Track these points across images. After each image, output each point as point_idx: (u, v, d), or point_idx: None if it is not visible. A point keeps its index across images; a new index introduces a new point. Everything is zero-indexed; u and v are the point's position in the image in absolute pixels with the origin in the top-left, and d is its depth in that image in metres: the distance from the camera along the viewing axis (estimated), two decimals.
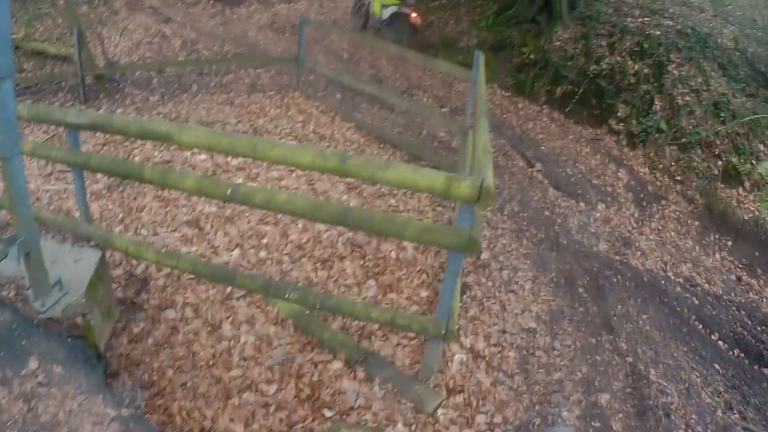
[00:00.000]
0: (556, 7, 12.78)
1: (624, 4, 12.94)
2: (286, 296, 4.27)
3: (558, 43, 12.39)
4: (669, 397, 5.15)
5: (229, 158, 7.78)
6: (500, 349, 5.13)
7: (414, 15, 13.33)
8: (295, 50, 11.70)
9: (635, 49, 11.65)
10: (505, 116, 11.64)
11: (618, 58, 11.63)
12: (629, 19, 12.38)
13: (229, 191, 4.16)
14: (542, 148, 10.57)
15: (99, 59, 11.77)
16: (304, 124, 9.84)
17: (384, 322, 4.27)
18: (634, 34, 11.90)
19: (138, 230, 6.03)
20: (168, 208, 6.47)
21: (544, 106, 12.06)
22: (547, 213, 8.53)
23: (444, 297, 4.02)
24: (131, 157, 7.79)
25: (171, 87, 11.45)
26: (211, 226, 6.19)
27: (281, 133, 9.31)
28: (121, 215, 6.29)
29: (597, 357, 5.51)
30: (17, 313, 3.65)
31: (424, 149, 9.30)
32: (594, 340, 5.77)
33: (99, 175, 6.81)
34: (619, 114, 11.17)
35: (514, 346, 5.25)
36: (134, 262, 5.38)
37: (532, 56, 12.53)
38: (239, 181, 7.19)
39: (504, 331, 5.40)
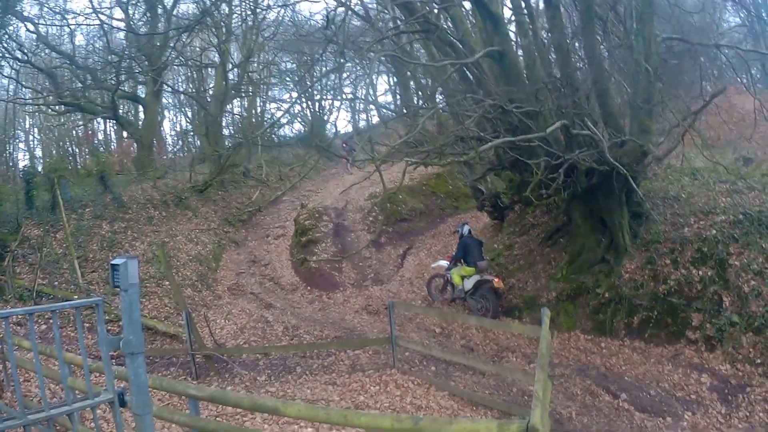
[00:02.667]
0: (620, 242, 13.62)
1: (678, 216, 13.55)
2: None
3: (627, 275, 13.09)
4: None
5: (333, 431, 8.35)
6: None
7: (497, 280, 14.80)
8: (389, 331, 12.35)
9: (696, 256, 12.22)
10: (588, 358, 12.12)
11: (683, 271, 12.17)
12: (686, 229, 12.96)
13: None
14: (626, 378, 10.92)
15: (207, 340, 13.17)
16: (401, 397, 10.41)
17: None
18: (692, 242, 12.49)
19: None
20: None
21: (625, 339, 12.51)
22: None
23: None
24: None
25: (276, 369, 12.53)
26: None
27: (381, 407, 9.95)
28: None
29: None
30: None
31: (514, 405, 9.76)
32: None
33: None
34: (693, 324, 11.54)
35: None
36: None
37: (606, 295, 13.22)
38: None
39: None
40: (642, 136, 12.58)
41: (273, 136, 39.18)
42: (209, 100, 31.49)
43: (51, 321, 12.08)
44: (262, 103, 41.15)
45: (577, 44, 15.28)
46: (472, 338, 13.92)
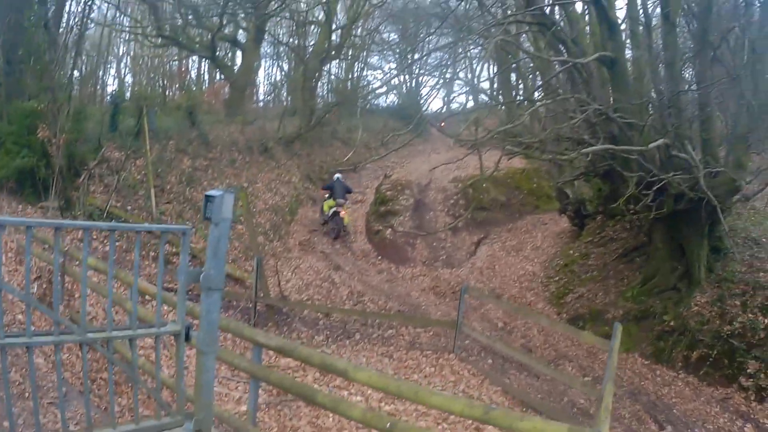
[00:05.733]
0: (695, 274, 13.55)
1: (757, 259, 13.37)
2: None
3: (696, 308, 13.02)
4: None
5: (382, 403, 8.73)
6: None
7: (342, 212, 20.53)
8: (453, 315, 12.83)
9: (766, 303, 12.11)
10: (642, 383, 12.18)
11: (750, 315, 12.07)
12: (761, 273, 12.80)
13: (388, 425, 5.13)
14: (674, 411, 11.02)
15: (272, 290, 13.53)
16: (455, 384, 10.70)
17: None
18: (765, 288, 12.36)
19: None
20: None
21: (680, 372, 12.52)
22: None
23: None
24: None
25: (336, 331, 12.92)
26: None
27: (433, 389, 9.93)
28: (275, 430, 7.45)
29: None
30: None
31: (563, 414, 9.94)
32: None
33: (261, 391, 7.68)
34: (748, 371, 11.48)
35: None
36: None
37: (671, 324, 13.23)
38: None
39: None
40: (737, 170, 12.52)
41: (367, 103, 39.24)
42: (308, 56, 31.67)
43: (118, 243, 12.35)
44: (359, 69, 41.28)
45: (687, 66, 15.09)
46: (533, 339, 14.12)
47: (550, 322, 13.79)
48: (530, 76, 23.28)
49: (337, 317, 13.70)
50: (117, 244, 11.90)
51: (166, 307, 6.80)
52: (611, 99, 13.38)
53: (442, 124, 29.55)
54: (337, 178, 21.70)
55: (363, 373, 5.59)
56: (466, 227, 20.89)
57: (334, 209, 20.71)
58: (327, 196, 21.42)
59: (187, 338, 4.25)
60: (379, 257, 19.47)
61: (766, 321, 11.83)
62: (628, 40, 14.48)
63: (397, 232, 20.47)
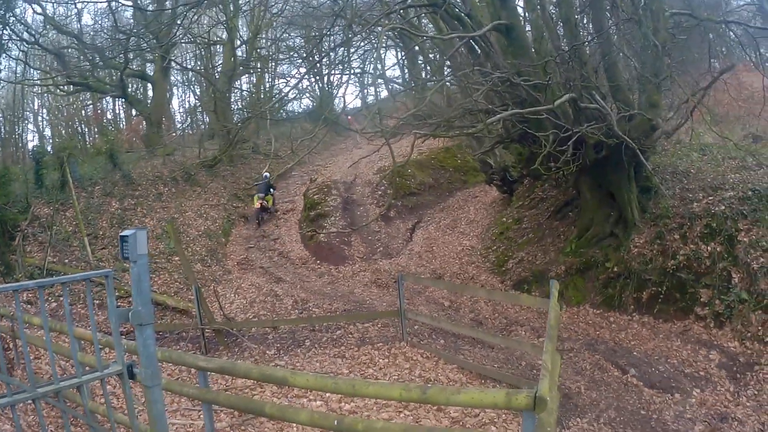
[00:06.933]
0: (629, 217, 13.47)
1: (687, 191, 13.32)
2: None
3: (636, 249, 12.93)
4: None
5: (342, 404, 8.47)
6: None
7: (259, 203, 22.89)
8: (399, 304, 12.32)
9: (705, 231, 12.00)
10: (598, 332, 12.02)
11: (692, 246, 11.99)
12: (695, 204, 12.72)
13: (336, 422, 5.04)
14: (635, 353, 10.80)
15: (216, 314, 13.21)
16: (410, 370, 10.40)
17: None
18: (701, 217, 12.28)
19: None
20: None
21: (634, 314, 12.37)
22: (642, 412, 8.71)
23: None
24: None
25: (286, 342, 12.60)
26: None
27: (390, 380, 9.89)
28: None
29: None
30: None
31: (522, 379, 9.62)
32: None
33: (223, 415, 7.72)
34: (702, 300, 11.34)
35: None
36: None
37: (615, 269, 13.07)
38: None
39: None
40: (650, 110, 12.38)
41: (282, 111, 38.90)
42: (217, 76, 31.29)
43: (61, 299, 12.14)
44: (270, 79, 40.79)
45: (585, 19, 15.02)
46: (481, 311, 13.88)
47: (487, 293, 13.74)
48: (436, 58, 23.10)
49: (285, 328, 13.44)
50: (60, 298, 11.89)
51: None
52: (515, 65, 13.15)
53: (350, 119, 29.60)
54: (265, 176, 24.37)
55: (301, 378, 5.56)
56: (398, 215, 20.77)
57: (258, 202, 23.16)
58: (254, 193, 24.08)
59: (132, 376, 4.30)
60: (318, 261, 19.09)
61: (708, 249, 11.75)
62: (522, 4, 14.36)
63: (330, 233, 19.99)
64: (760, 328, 10.29)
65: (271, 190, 24.19)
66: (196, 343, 12.43)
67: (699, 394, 9.10)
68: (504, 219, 18.17)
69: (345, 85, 44.43)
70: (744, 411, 8.44)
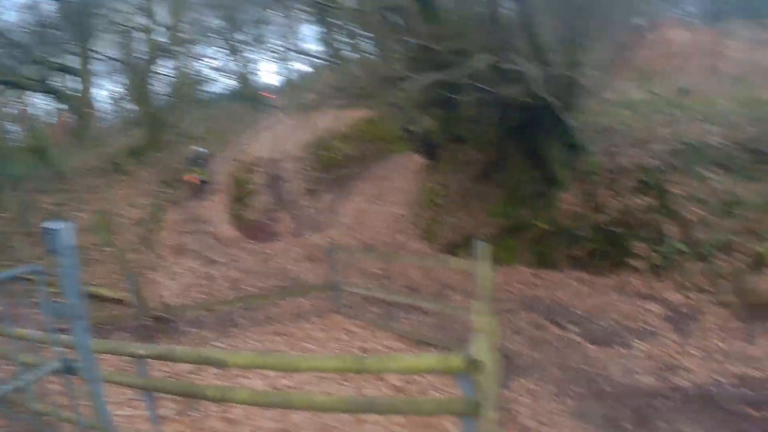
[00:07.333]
0: (557, 175, 13.48)
1: (615, 147, 13.35)
2: None
3: (566, 206, 12.95)
4: None
5: (283, 380, 8.11)
6: None
7: (187, 177, 22.10)
8: (332, 276, 12.47)
9: (636, 185, 12.05)
10: (534, 292, 11.99)
11: (623, 200, 12.04)
12: (623, 159, 12.76)
13: (281, 399, 5.10)
14: (573, 310, 10.82)
15: (155, 301, 13.08)
16: (349, 341, 10.29)
17: None
18: (631, 171, 12.32)
19: None
20: (233, 428, 6.89)
21: (569, 271, 12.33)
22: (588, 369, 8.70)
23: None
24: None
25: (223, 324, 12.41)
26: None
27: (329, 353, 9.73)
28: None
29: None
30: None
31: (458, 342, 9.38)
32: None
33: (169, 402, 7.33)
34: (638, 253, 11.36)
35: None
36: None
37: (546, 228, 13.06)
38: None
39: None
40: (572, 68, 12.29)
41: (205, 93, 38.10)
42: (138, 63, 30.36)
43: None
44: (190, 63, 39.95)
45: None
46: (414, 278, 13.79)
47: (418, 259, 13.85)
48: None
49: (221, 310, 13.20)
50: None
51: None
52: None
53: (271, 96, 29.31)
54: (199, 151, 23.76)
55: (239, 357, 5.55)
56: (326, 189, 20.60)
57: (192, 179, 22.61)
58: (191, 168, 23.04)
59: (71, 371, 4.16)
60: (248, 240, 18.77)
61: (639, 201, 11.80)
62: None
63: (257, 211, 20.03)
64: (700, 278, 10.38)
65: (203, 162, 23.55)
66: (135, 333, 12.01)
67: (645, 347, 9.12)
68: (431, 185, 18.02)
69: (265, 62, 43.95)
70: (692, 361, 8.48)
